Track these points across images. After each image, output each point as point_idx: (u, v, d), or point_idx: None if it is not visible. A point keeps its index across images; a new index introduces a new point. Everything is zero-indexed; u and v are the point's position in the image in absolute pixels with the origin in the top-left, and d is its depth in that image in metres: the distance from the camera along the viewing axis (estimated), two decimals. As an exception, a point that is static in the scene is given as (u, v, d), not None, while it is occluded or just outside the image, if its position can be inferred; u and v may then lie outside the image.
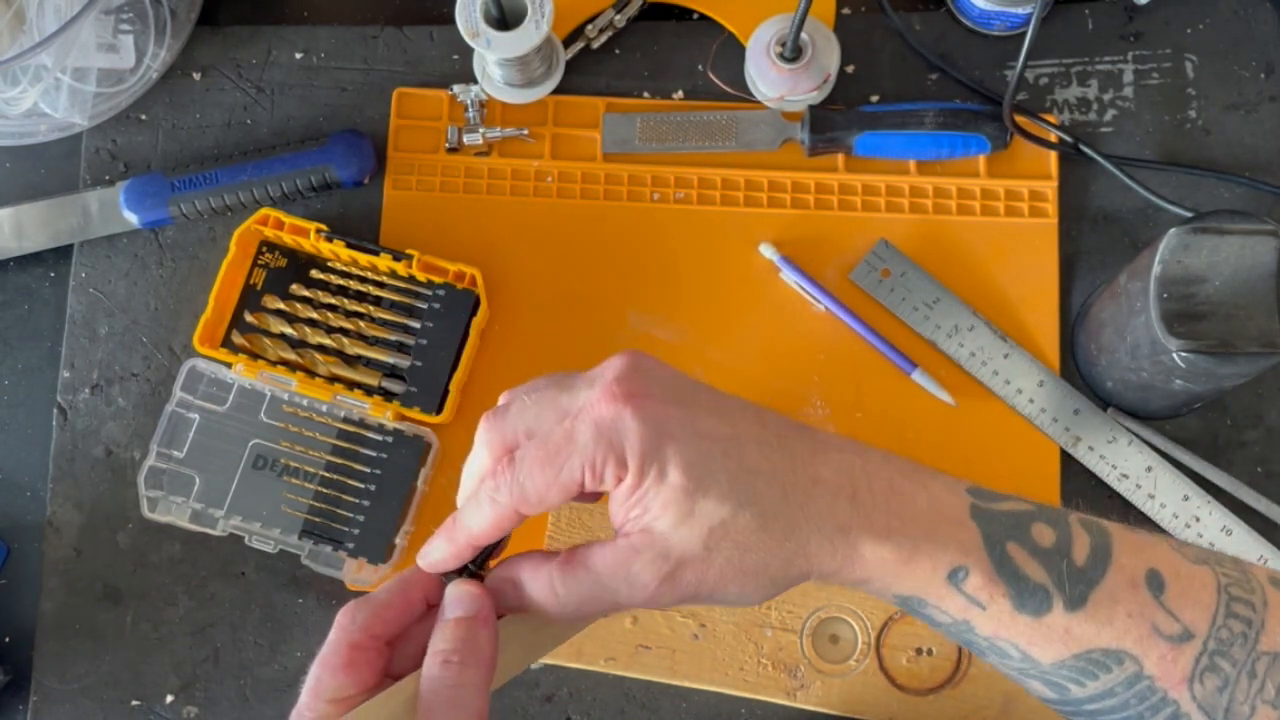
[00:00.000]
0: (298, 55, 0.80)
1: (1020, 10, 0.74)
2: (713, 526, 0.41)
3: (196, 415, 0.73)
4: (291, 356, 0.74)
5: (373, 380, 0.74)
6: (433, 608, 0.46)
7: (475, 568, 0.46)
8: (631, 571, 0.42)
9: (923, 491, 0.43)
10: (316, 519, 0.72)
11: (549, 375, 0.45)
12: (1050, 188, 0.75)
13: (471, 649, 0.43)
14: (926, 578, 0.42)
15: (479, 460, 0.45)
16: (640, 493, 0.41)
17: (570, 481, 0.41)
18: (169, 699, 0.72)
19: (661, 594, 0.42)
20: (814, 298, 0.74)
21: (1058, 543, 0.43)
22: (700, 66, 0.78)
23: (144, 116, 0.79)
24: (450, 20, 0.72)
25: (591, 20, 0.78)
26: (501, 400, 0.46)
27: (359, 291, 0.75)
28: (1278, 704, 0.41)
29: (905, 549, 0.42)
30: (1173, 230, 0.61)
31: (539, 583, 0.44)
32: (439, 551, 0.45)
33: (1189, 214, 0.68)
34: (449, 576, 0.46)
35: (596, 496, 0.44)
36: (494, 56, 0.72)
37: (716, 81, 0.78)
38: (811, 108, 0.75)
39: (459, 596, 0.44)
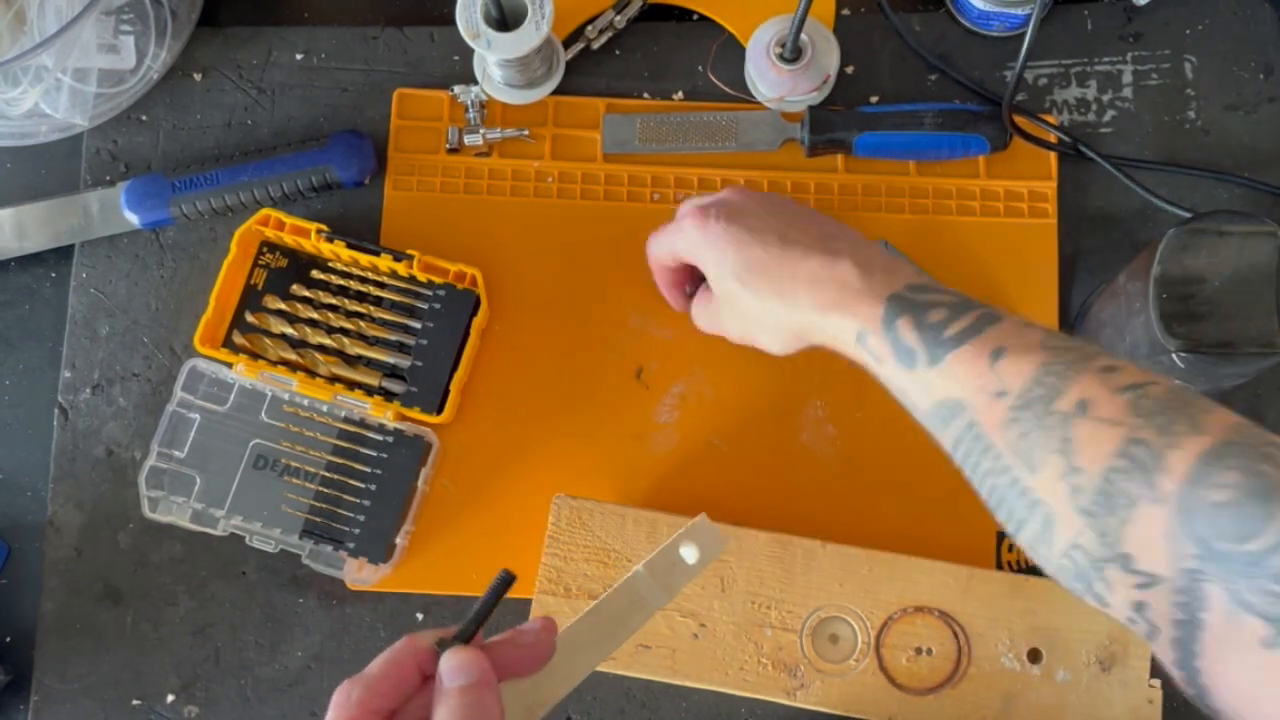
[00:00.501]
0: (298, 56, 0.80)
1: (1019, 11, 0.74)
2: (730, 291, 0.62)
3: (197, 415, 0.73)
4: (292, 356, 0.74)
5: (373, 380, 0.74)
6: (428, 678, 0.46)
7: (467, 637, 0.46)
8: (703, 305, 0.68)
9: (874, 277, 0.58)
10: (317, 519, 0.72)
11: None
12: (1050, 188, 0.75)
13: (478, 716, 0.43)
14: (845, 333, 0.58)
15: (659, 251, 0.68)
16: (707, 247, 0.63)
17: (671, 247, 0.66)
18: (170, 698, 0.72)
19: (721, 317, 0.65)
20: (814, 298, 0.74)
21: (940, 321, 0.55)
22: (700, 67, 0.78)
23: (145, 117, 0.79)
24: (450, 21, 0.72)
25: (591, 21, 0.78)
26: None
27: (359, 292, 0.75)
28: (1062, 452, 0.48)
29: (841, 304, 0.58)
30: (1172, 230, 0.61)
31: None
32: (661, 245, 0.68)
33: (1188, 214, 0.68)
34: (442, 645, 0.46)
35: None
36: (494, 57, 0.72)
37: (716, 82, 0.78)
38: (811, 108, 0.75)
39: (459, 664, 0.45)
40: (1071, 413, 0.49)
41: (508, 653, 0.47)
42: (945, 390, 0.53)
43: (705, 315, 0.68)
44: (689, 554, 0.54)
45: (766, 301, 0.60)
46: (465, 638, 0.46)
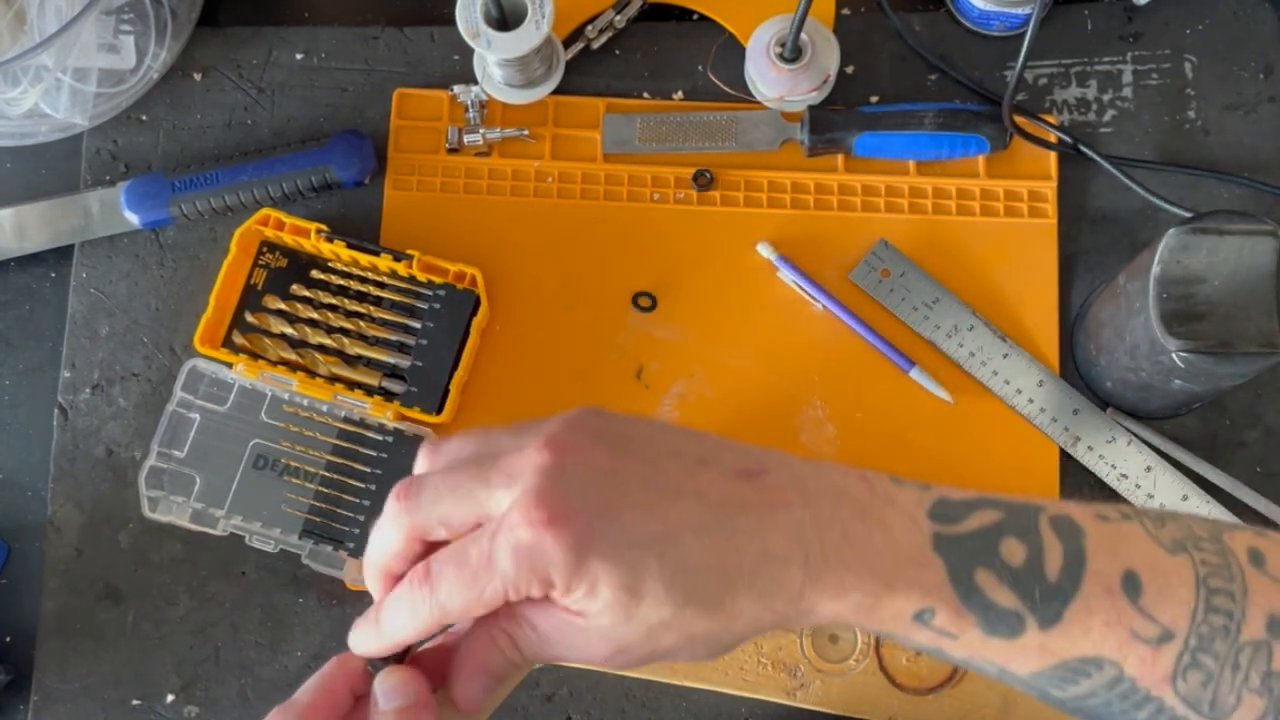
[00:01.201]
0: (298, 56, 0.80)
1: (1020, 11, 0.74)
2: (652, 625, 0.40)
3: (197, 415, 0.73)
4: (292, 356, 0.74)
5: (373, 380, 0.74)
6: (360, 699, 0.45)
7: (400, 655, 0.45)
8: (576, 644, 0.41)
9: (879, 532, 0.42)
10: (317, 519, 0.72)
11: (467, 440, 0.44)
12: (1050, 188, 0.75)
13: None
14: (892, 621, 0.42)
15: (388, 540, 0.43)
16: (573, 600, 0.40)
17: (494, 601, 0.41)
18: (170, 698, 0.72)
19: (611, 663, 0.42)
20: (813, 297, 0.74)
21: (1029, 559, 0.42)
22: (700, 67, 0.78)
23: (145, 117, 0.79)
24: (450, 21, 0.72)
25: (591, 21, 0.78)
26: (418, 464, 0.45)
27: (359, 292, 0.75)
28: (1263, 690, 0.40)
29: (865, 604, 0.41)
30: (1172, 230, 0.61)
31: (481, 642, 0.43)
32: (369, 644, 0.44)
33: (1188, 214, 0.68)
34: (375, 665, 0.45)
35: None
36: (494, 57, 0.72)
37: (716, 82, 0.78)
38: (811, 108, 0.75)
39: (393, 686, 0.43)
40: (1265, 639, 0.41)
41: (443, 661, 0.44)
42: (1070, 649, 0.41)
43: (532, 643, 0.43)
44: None
45: (711, 620, 0.41)
46: (399, 656, 0.45)
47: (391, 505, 0.43)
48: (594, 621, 0.40)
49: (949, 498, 0.43)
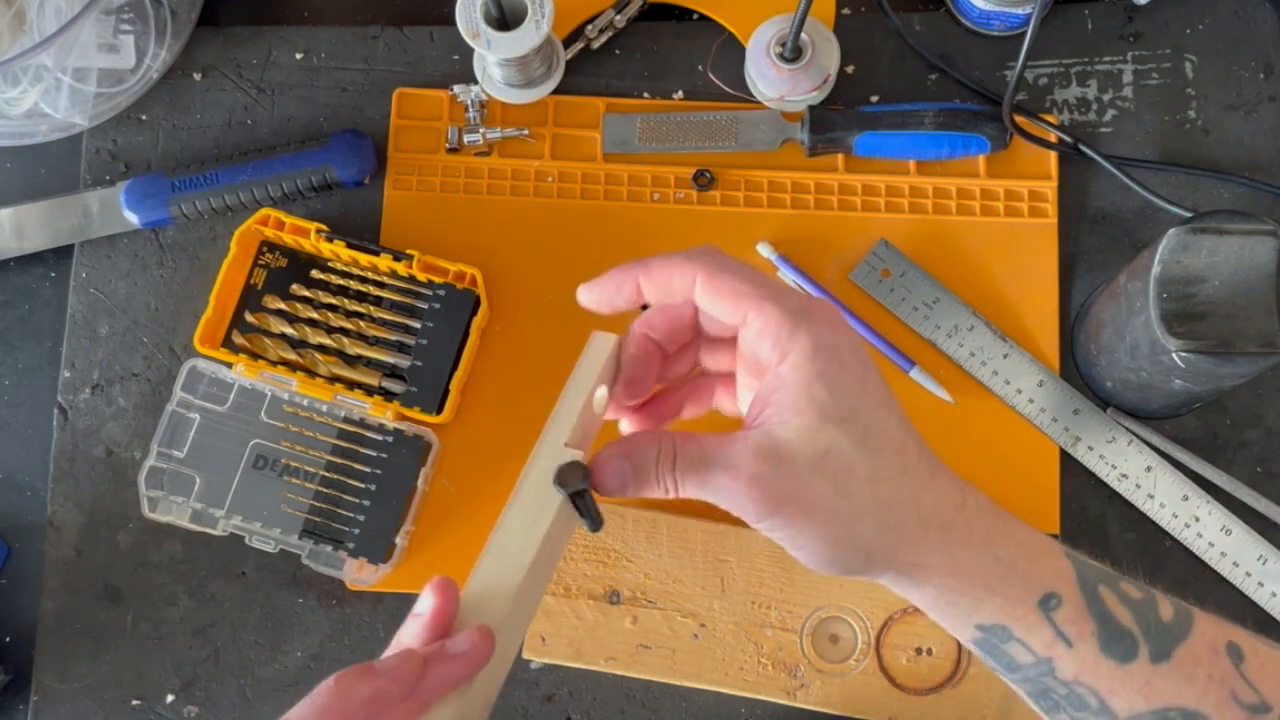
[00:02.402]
0: (298, 55, 0.80)
1: (1020, 10, 0.74)
2: (828, 450, 0.41)
3: (197, 415, 0.73)
4: (292, 356, 0.74)
5: (373, 380, 0.74)
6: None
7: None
8: (729, 455, 0.41)
9: (1021, 525, 0.44)
10: (317, 519, 0.72)
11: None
12: (1050, 188, 0.75)
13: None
14: (1019, 599, 0.42)
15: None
16: (778, 377, 0.42)
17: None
18: (169, 698, 0.72)
19: (748, 499, 0.41)
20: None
21: (1145, 599, 0.43)
22: (700, 67, 0.78)
23: (144, 117, 0.79)
24: (450, 20, 0.72)
25: (591, 20, 0.78)
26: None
27: (359, 291, 0.75)
28: None
29: (1004, 563, 0.42)
30: (1172, 230, 0.61)
31: (646, 438, 0.43)
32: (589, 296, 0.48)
33: (1188, 214, 0.68)
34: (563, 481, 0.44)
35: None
36: (494, 57, 0.72)
37: (716, 82, 0.78)
38: (811, 108, 0.75)
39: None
40: None
41: (441, 671, 0.42)
42: (1174, 695, 0.42)
43: (689, 456, 0.43)
44: (600, 397, 0.47)
45: (881, 493, 0.42)
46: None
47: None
48: (778, 428, 0.41)
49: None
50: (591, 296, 0.48)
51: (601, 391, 0.47)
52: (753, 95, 0.77)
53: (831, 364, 0.41)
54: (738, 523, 0.68)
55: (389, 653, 0.43)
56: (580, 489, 0.44)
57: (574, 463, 0.44)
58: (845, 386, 0.41)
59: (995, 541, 0.43)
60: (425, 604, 0.43)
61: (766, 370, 0.43)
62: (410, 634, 0.43)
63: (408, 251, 0.73)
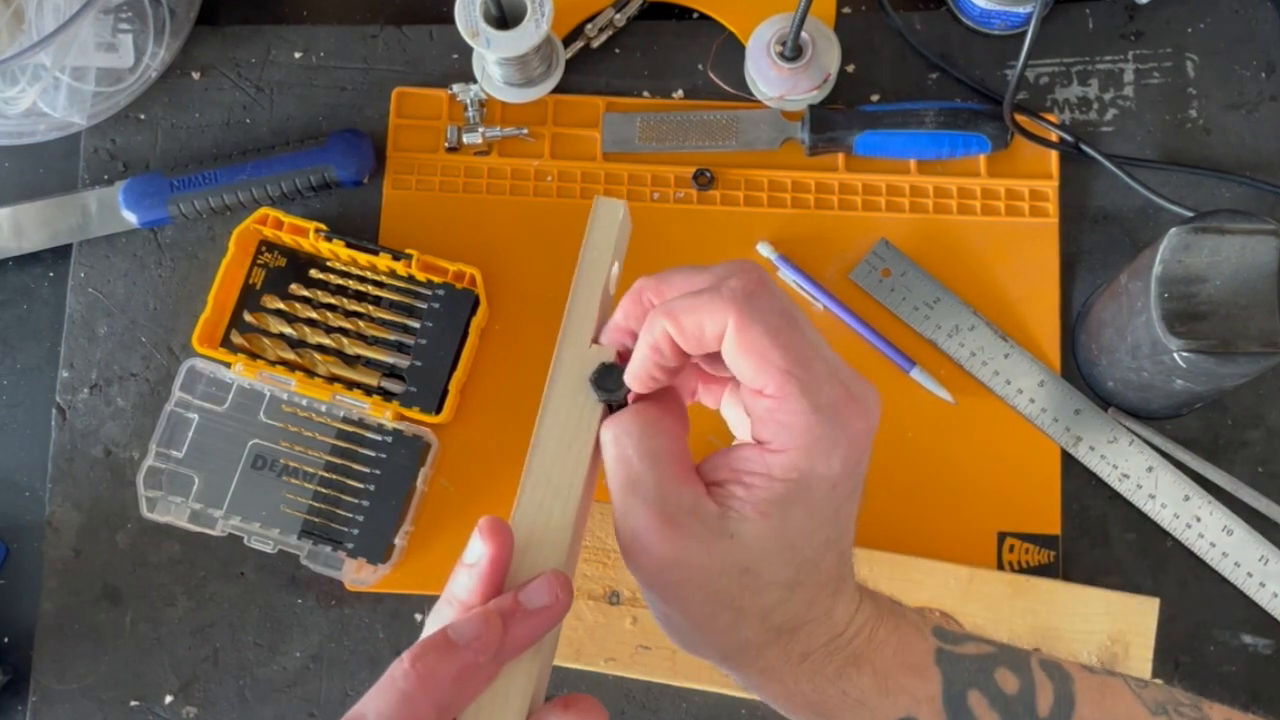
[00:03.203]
0: (297, 55, 0.80)
1: (1021, 9, 0.73)
2: (752, 568, 0.39)
3: (196, 415, 0.73)
4: (291, 356, 0.74)
5: (372, 380, 0.73)
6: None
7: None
8: (680, 489, 0.40)
9: (898, 636, 0.42)
10: (316, 519, 0.71)
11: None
12: (1051, 187, 0.75)
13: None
14: (873, 709, 0.41)
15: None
16: (766, 467, 0.39)
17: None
18: (168, 699, 0.72)
19: (664, 551, 0.39)
20: (813, 297, 0.73)
21: (1021, 691, 0.42)
22: (700, 66, 0.78)
23: (143, 116, 0.79)
24: (450, 20, 0.72)
25: (591, 19, 0.78)
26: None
27: (358, 291, 0.75)
28: None
29: (851, 696, 0.41)
30: (1173, 230, 0.61)
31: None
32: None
33: (1190, 213, 0.68)
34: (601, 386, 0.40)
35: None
36: (494, 56, 0.72)
37: (717, 81, 0.78)
38: (812, 107, 0.75)
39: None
40: None
41: (520, 630, 0.38)
42: None
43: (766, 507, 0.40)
44: (614, 275, 0.43)
45: (793, 612, 0.40)
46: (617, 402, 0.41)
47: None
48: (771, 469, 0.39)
49: (944, 626, 0.44)
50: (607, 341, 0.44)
51: (615, 269, 0.43)
52: (753, 94, 0.77)
53: (823, 493, 0.39)
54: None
55: (445, 609, 0.39)
56: (621, 392, 0.40)
57: (609, 365, 0.40)
58: (820, 513, 0.40)
59: (848, 675, 0.41)
60: (477, 552, 0.39)
61: (757, 432, 0.40)
62: (465, 587, 0.39)
63: (407, 251, 0.73)
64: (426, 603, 0.73)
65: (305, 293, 0.75)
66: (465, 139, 0.77)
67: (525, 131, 0.77)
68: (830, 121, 0.74)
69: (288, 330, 0.74)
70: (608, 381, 0.40)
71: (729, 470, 0.41)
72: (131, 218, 0.76)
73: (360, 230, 0.76)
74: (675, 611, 0.40)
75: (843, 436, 0.39)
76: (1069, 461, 0.72)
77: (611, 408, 0.40)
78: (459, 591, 0.39)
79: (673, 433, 0.41)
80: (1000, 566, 0.71)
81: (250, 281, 0.75)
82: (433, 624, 0.39)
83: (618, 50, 0.79)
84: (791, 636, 0.41)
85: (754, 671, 0.42)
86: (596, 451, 0.40)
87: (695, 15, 0.79)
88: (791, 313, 0.40)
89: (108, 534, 0.74)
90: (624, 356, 0.42)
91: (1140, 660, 0.66)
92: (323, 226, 0.73)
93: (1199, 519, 0.70)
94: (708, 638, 0.41)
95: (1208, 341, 0.60)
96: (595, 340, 0.41)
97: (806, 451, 0.39)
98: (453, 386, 0.72)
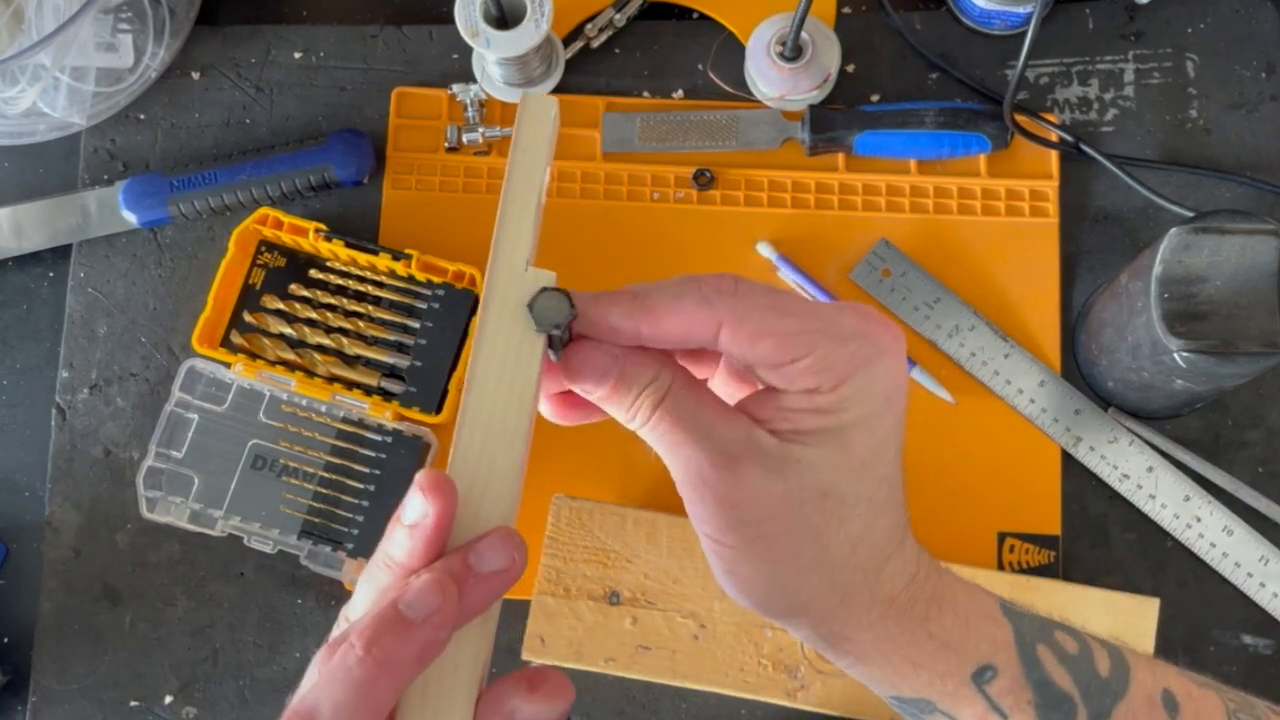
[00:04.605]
0: (297, 55, 0.80)
1: (1021, 9, 0.73)
2: (828, 493, 0.37)
3: (195, 415, 0.73)
4: (290, 356, 0.74)
5: (372, 380, 0.73)
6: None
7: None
8: (733, 436, 0.37)
9: (962, 588, 0.42)
10: (315, 519, 0.71)
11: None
12: (1051, 187, 0.75)
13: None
14: (950, 674, 0.40)
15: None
16: (814, 402, 0.38)
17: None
18: (168, 699, 0.72)
19: (723, 502, 0.37)
20: (812, 297, 0.73)
21: (1082, 651, 0.41)
22: (700, 66, 0.78)
23: (143, 116, 0.79)
24: (450, 20, 0.72)
25: (591, 19, 0.78)
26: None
27: (358, 291, 0.75)
28: None
29: (936, 638, 0.40)
30: (1174, 230, 0.61)
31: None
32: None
33: (1190, 214, 0.68)
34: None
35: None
36: (493, 56, 0.72)
37: (717, 81, 0.78)
38: (812, 107, 0.75)
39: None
40: None
41: (473, 597, 0.35)
42: None
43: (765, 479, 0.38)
44: (545, 183, 0.39)
45: (875, 553, 0.39)
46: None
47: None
48: (796, 434, 0.38)
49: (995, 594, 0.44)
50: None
51: (546, 175, 0.38)
52: (753, 94, 0.77)
53: (878, 408, 0.38)
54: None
55: (380, 573, 0.36)
56: (566, 320, 0.35)
57: (549, 289, 0.36)
58: (881, 429, 0.38)
59: (933, 616, 0.40)
60: (418, 510, 0.35)
61: (800, 386, 0.38)
62: (404, 550, 0.35)
63: (406, 251, 0.73)
64: (426, 603, 0.72)
65: (305, 293, 0.75)
66: (465, 139, 0.77)
67: (525, 131, 0.77)
68: (830, 121, 0.74)
69: (287, 330, 0.74)
70: (551, 310, 0.35)
71: (775, 409, 0.38)
72: (131, 218, 0.76)
73: (360, 230, 0.76)
74: (757, 557, 0.37)
75: (878, 351, 0.38)
76: (1069, 461, 0.72)
77: (553, 341, 0.36)
78: (398, 553, 0.35)
79: (684, 373, 0.39)
80: (1000, 567, 0.71)
81: (250, 281, 0.75)
82: (365, 589, 0.36)
83: (617, 50, 0.79)
84: (877, 577, 0.39)
85: (843, 622, 0.39)
86: (539, 388, 0.37)
87: (695, 15, 0.79)
88: (772, 287, 0.39)
89: (107, 534, 0.74)
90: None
91: (1140, 660, 0.66)
92: (322, 226, 0.73)
93: (1199, 519, 0.70)
94: (793, 583, 0.38)
95: (1208, 341, 0.60)
96: (532, 263, 0.37)
97: (852, 379, 0.37)
98: (452, 386, 0.72)
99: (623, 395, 0.38)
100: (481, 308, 0.36)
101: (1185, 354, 0.60)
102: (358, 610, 0.36)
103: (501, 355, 0.35)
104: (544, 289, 0.36)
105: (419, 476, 0.35)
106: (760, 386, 0.41)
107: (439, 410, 0.72)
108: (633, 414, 0.38)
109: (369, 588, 0.36)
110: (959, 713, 0.40)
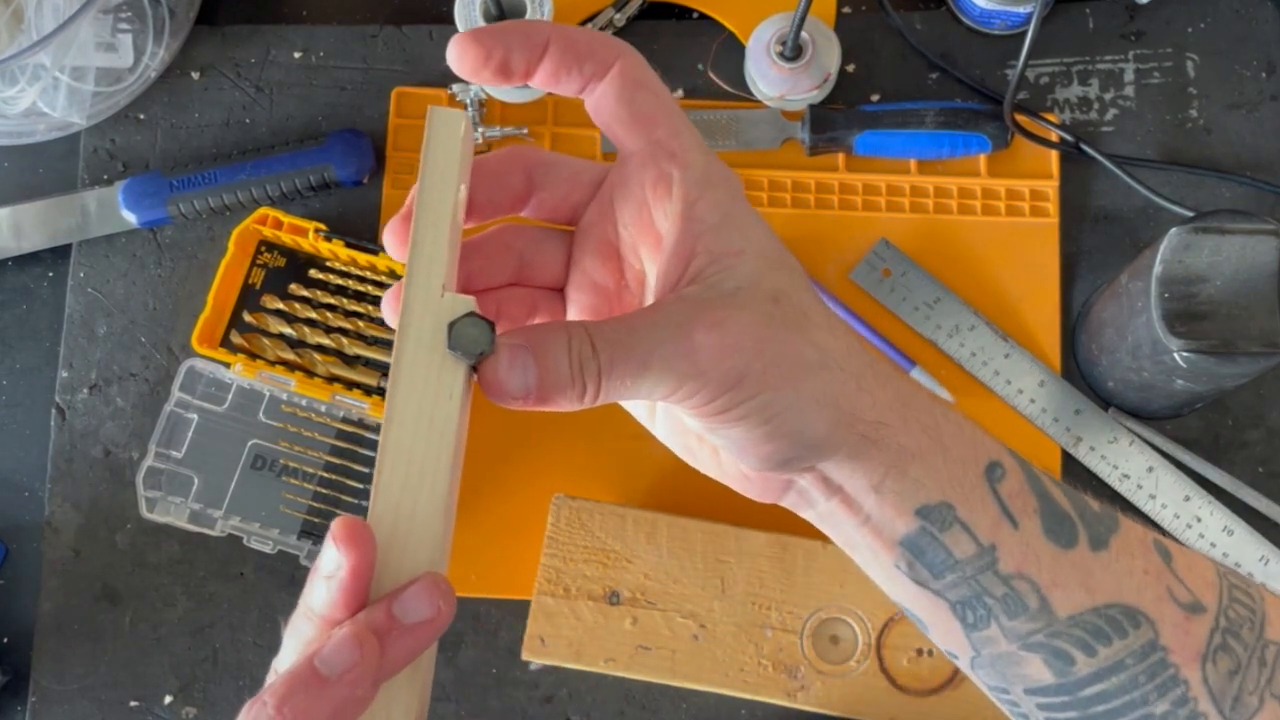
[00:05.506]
0: (296, 54, 0.80)
1: (1021, 9, 0.73)
2: (778, 294, 0.35)
3: (195, 415, 0.73)
4: (290, 356, 0.74)
5: (371, 380, 0.73)
6: None
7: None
8: (672, 318, 0.34)
9: (951, 416, 0.39)
10: (315, 519, 0.71)
11: None
12: (1051, 187, 0.75)
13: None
14: (968, 460, 0.37)
15: None
16: (695, 220, 0.36)
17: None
18: (168, 699, 0.72)
19: (713, 371, 0.34)
20: (814, 297, 0.73)
21: (1074, 492, 0.40)
22: (700, 66, 0.78)
23: (142, 116, 0.79)
24: (449, 19, 0.72)
25: (591, 19, 0.78)
26: None
27: (358, 291, 0.75)
28: None
29: (944, 437, 0.37)
30: (1174, 230, 0.61)
31: (553, 332, 0.34)
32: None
33: (1190, 213, 0.68)
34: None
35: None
36: (493, 56, 0.72)
37: (717, 81, 0.78)
38: (812, 107, 0.75)
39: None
40: None
41: (397, 649, 0.33)
42: (1114, 590, 0.38)
43: (609, 338, 0.35)
44: (461, 200, 0.36)
45: (852, 339, 0.37)
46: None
47: None
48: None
49: None
50: (462, 51, 0.36)
51: (462, 193, 0.36)
52: (753, 94, 0.77)
53: (751, 210, 0.36)
54: (738, 523, 0.68)
55: (304, 625, 0.34)
56: (487, 350, 0.33)
57: (470, 316, 0.33)
58: (771, 236, 0.36)
59: (937, 406, 0.39)
60: (334, 562, 0.33)
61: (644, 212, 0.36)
62: (323, 601, 0.33)
63: (407, 251, 0.73)
64: (426, 603, 0.72)
65: (305, 293, 0.75)
66: (465, 139, 0.76)
67: (525, 131, 0.77)
68: (830, 121, 0.74)
69: (287, 330, 0.74)
70: (470, 338, 0.33)
71: (674, 263, 0.36)
72: (131, 218, 0.76)
73: (360, 230, 0.76)
74: (772, 387, 0.35)
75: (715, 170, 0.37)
76: (1069, 462, 0.72)
77: (477, 369, 0.34)
78: (318, 605, 0.33)
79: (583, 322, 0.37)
80: (1000, 567, 0.71)
81: (250, 281, 0.75)
82: (290, 642, 0.34)
83: (618, 50, 0.79)
84: (872, 362, 0.37)
85: (869, 406, 0.37)
86: (463, 422, 0.34)
87: (695, 15, 0.79)
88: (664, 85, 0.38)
89: (107, 534, 0.74)
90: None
91: (1141, 661, 0.66)
92: (322, 226, 0.73)
93: (1199, 519, 0.70)
94: (814, 388, 0.35)
95: (1208, 341, 0.60)
96: (451, 288, 0.35)
97: (721, 189, 0.36)
98: (452, 387, 0.72)
99: (559, 384, 0.35)
100: (398, 335, 0.34)
101: (1185, 354, 0.60)
102: (285, 663, 0.34)
103: (421, 388, 0.33)
104: (462, 315, 0.33)
105: (334, 525, 0.33)
106: (624, 274, 0.39)
107: (439, 410, 0.72)
108: (584, 390, 0.35)
109: (294, 640, 0.34)
110: (975, 519, 0.37)
